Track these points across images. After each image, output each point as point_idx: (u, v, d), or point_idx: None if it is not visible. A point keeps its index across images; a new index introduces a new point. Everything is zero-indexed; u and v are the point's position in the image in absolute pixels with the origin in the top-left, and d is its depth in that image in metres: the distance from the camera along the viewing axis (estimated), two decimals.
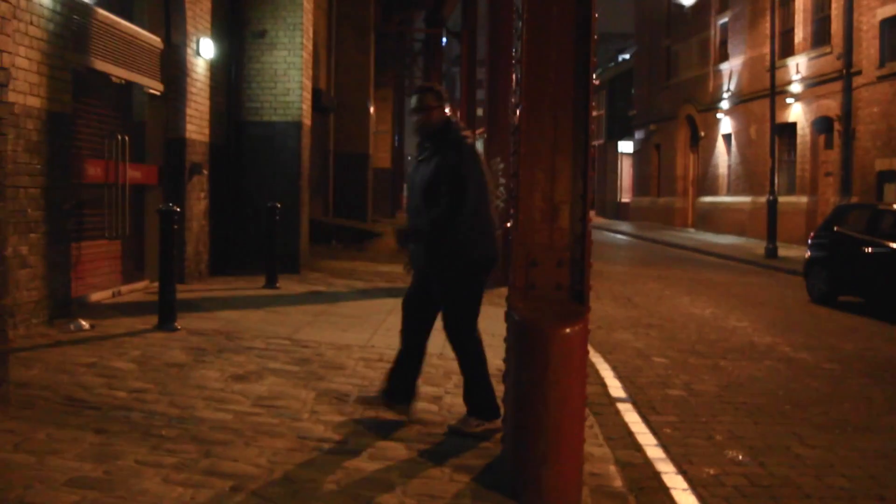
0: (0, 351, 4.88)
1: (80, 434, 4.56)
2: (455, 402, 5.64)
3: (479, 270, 5.03)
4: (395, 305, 9.60)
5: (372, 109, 21.55)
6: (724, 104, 28.52)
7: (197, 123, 10.65)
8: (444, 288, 4.99)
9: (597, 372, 7.21)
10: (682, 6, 30.51)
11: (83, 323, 7.18)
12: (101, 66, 8.51)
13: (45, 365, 5.91)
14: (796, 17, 24.29)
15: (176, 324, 7.37)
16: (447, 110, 5.09)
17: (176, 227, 7.50)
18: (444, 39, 31.82)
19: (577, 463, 4.12)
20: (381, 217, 26.35)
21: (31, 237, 6.90)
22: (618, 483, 4.46)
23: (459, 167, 4.85)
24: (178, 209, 7.58)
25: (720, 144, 29.46)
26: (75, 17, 7.73)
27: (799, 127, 23.97)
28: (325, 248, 16.16)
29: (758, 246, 21.53)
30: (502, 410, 4.62)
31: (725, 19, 29.40)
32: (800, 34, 24.08)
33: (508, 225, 12.22)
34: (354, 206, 20.99)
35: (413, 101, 5.08)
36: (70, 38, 7.63)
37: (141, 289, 9.69)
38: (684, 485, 4.74)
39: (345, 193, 20.68)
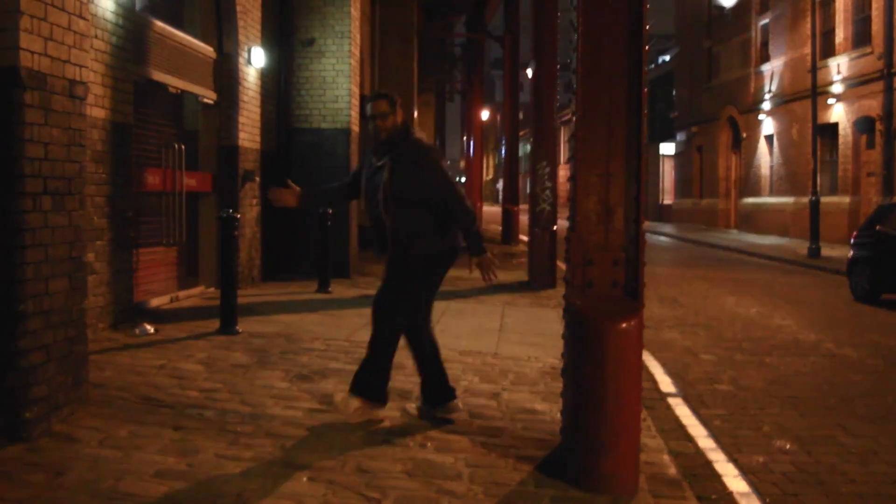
0: (80, 353, 5.11)
1: (159, 430, 4.78)
2: (513, 399, 5.81)
3: (430, 263, 5.15)
4: (445, 308, 9.85)
5: (415, 114, 21.75)
6: (766, 105, 28.42)
7: (249, 131, 10.90)
8: (398, 270, 5.13)
9: (647, 369, 7.33)
10: (722, 8, 30.41)
11: (148, 327, 7.43)
12: (158, 76, 8.79)
13: (117, 367, 6.15)
14: (837, 17, 24.17)
15: (237, 327, 7.60)
16: (400, 115, 5.19)
17: (236, 233, 7.71)
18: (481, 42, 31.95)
19: (634, 451, 4.27)
20: None
21: (97, 244, 7.16)
22: (672, 471, 4.62)
23: (433, 170, 5.06)
24: (237, 216, 7.79)
25: (762, 145, 29.34)
26: (135, 29, 8.00)
27: (841, 127, 23.85)
28: (372, 254, 16.35)
29: (801, 246, 21.46)
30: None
31: (766, 20, 29.29)
32: (841, 34, 23.96)
33: (555, 228, 12.35)
34: None
35: (368, 108, 5.17)
36: (131, 50, 7.89)
37: (197, 294, 9.95)
38: (735, 472, 4.91)
39: None
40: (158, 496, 3.86)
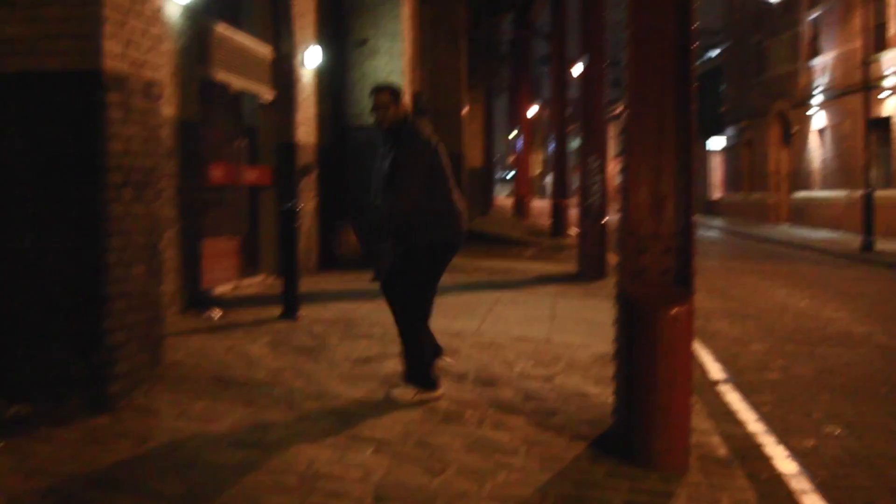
0: (157, 333, 5.47)
1: (231, 406, 5.11)
2: (566, 382, 6.04)
3: (433, 253, 5.33)
4: (498, 297, 10.12)
5: (465, 111, 22.00)
6: (817, 99, 28.20)
7: (305, 128, 11.26)
8: (405, 261, 5.34)
9: (697, 357, 7.50)
10: (771, 2, 30.22)
11: (215, 312, 7.81)
12: (221, 76, 9.16)
13: (188, 349, 6.51)
14: (889, 10, 23.93)
15: (298, 313, 7.94)
16: (402, 106, 5.39)
17: (297, 224, 8.04)
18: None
19: (684, 431, 4.47)
20: (476, 215, 26.84)
21: (168, 234, 7.53)
22: (722, 452, 4.77)
23: (405, 158, 5.17)
24: (298, 209, 8.12)
25: (813, 139, 29.11)
26: (200, 31, 8.38)
27: (893, 121, 23.62)
28: None
29: (853, 240, 21.31)
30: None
31: (817, 14, 29.04)
32: (892, 28, 23.72)
33: (604, 221, 12.54)
34: None
35: (371, 99, 5.41)
36: (196, 51, 8.27)
37: (258, 282, 10.32)
38: (785, 454, 5.05)
39: None
40: (235, 463, 4.17)
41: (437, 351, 5.62)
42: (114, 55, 4.83)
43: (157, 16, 5.33)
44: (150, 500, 3.71)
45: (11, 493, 3.71)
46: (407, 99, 12.58)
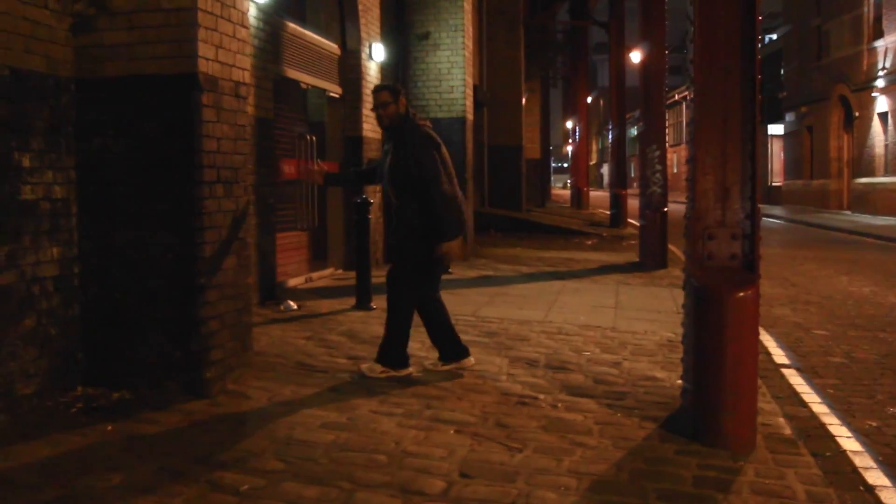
0: (246, 322, 5.78)
1: (317, 391, 5.41)
2: (633, 367, 6.24)
3: (435, 242, 5.62)
4: (562, 287, 10.31)
5: (523, 101, 22.18)
6: (880, 83, 27.78)
7: (372, 122, 11.52)
8: (400, 252, 5.74)
9: (760, 342, 7.61)
10: None
11: (292, 303, 8.14)
12: (292, 73, 9.48)
13: (270, 338, 6.83)
14: None
15: (371, 304, 8.22)
16: (402, 104, 5.72)
17: (369, 216, 8.32)
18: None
19: (751, 411, 4.64)
20: (533, 206, 27.01)
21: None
22: (787, 431, 4.94)
23: (419, 154, 5.52)
24: (371, 201, 8.40)
25: (876, 124, 28.69)
26: (272, 31, 8.69)
27: None
28: (485, 237, 16.95)
29: None
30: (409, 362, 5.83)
31: None
32: None
33: (666, 209, 12.64)
34: (508, 195, 21.72)
35: (373, 98, 5.80)
36: (270, 50, 8.59)
37: (327, 275, 10.65)
38: (848, 433, 5.18)
39: (499, 184, 21.47)
40: (327, 442, 4.45)
41: (463, 352, 6.00)
42: (207, 59, 5.12)
43: (243, 20, 5.62)
44: (253, 475, 3.99)
45: (127, 470, 4.03)
46: (467, 91, 12.83)
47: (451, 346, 5.98)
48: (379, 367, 5.79)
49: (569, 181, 52.92)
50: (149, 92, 5.11)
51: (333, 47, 10.87)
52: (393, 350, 5.81)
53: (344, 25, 11.17)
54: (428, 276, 5.84)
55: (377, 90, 5.83)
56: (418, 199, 5.58)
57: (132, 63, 5.12)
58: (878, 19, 28.80)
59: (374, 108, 5.78)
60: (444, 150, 5.73)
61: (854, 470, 4.53)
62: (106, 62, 5.16)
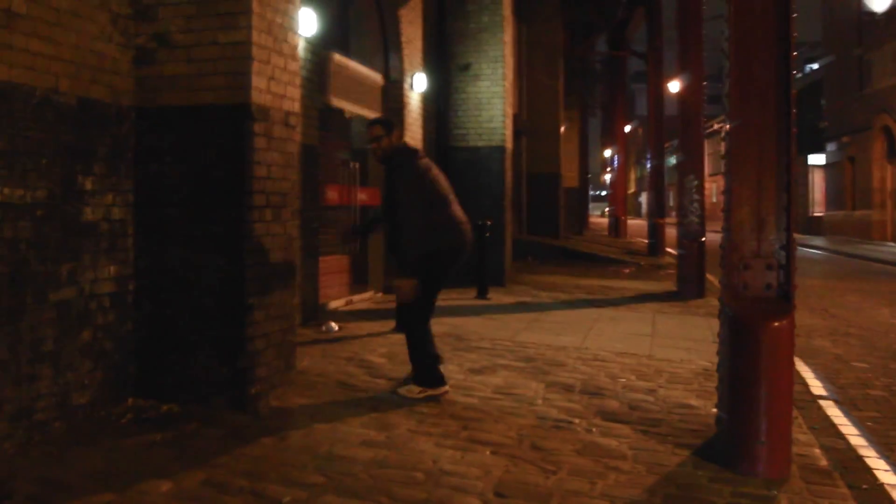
0: (291, 342, 5.99)
1: (357, 409, 5.58)
2: (668, 395, 6.34)
3: (433, 262, 5.83)
4: (599, 315, 10.43)
5: (562, 130, 22.36)
6: None
7: None
8: (402, 274, 5.85)
9: (798, 373, 7.67)
10: (873, 13, 29.71)
11: (333, 325, 8.34)
12: (337, 103, 9.75)
13: (312, 358, 7.03)
14: None
15: None
16: (395, 136, 6.07)
17: None
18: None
19: (786, 440, 4.71)
20: (571, 234, 27.12)
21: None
22: (823, 462, 4.98)
23: (403, 185, 5.81)
24: None
25: None
26: (319, 62, 8.97)
27: None
28: (522, 263, 17.11)
29: None
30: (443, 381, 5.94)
31: None
32: None
33: (703, 239, 12.69)
34: (547, 223, 21.90)
35: (367, 132, 6.09)
36: (316, 80, 8.86)
37: (368, 298, 10.86)
38: (886, 466, 5.20)
39: (538, 211, 21.66)
40: (367, 459, 4.62)
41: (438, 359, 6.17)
42: (260, 90, 5.37)
43: (294, 53, 5.87)
44: (294, 488, 4.16)
45: (176, 479, 4.22)
46: (507, 122, 13.02)
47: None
48: (416, 389, 5.95)
49: (607, 209, 52.83)
50: (204, 121, 5.36)
51: (377, 77, 11.14)
52: (424, 369, 5.97)
53: (387, 56, 11.45)
54: (437, 283, 6.03)
55: (370, 124, 6.19)
56: (425, 215, 5.82)
57: (189, 94, 5.38)
58: None
59: (369, 141, 6.10)
60: (437, 175, 6.03)
61: (891, 502, 4.59)
62: (165, 92, 5.43)
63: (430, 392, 5.92)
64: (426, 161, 6.08)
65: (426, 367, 5.98)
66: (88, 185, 5.09)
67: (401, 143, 6.17)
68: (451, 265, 6.00)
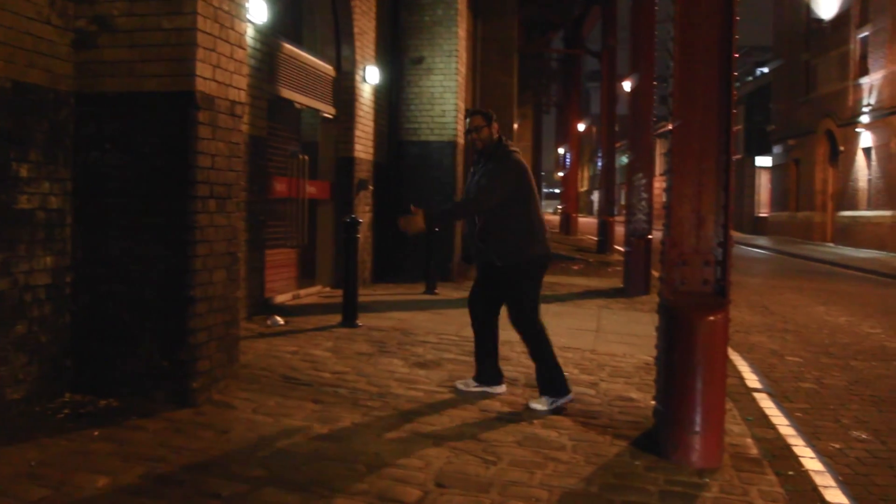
0: (234, 335, 5.92)
1: (301, 403, 5.54)
2: (610, 388, 6.40)
3: (535, 267, 5.79)
4: (545, 310, 10.32)
5: (515, 126, 22.41)
6: (865, 118, 28.22)
7: (363, 143, 11.73)
8: (509, 282, 5.77)
9: (735, 367, 7.82)
10: (821, 20, 30.29)
11: (279, 319, 8.28)
12: (287, 94, 9.67)
13: (256, 352, 6.97)
14: None
15: (357, 321, 8.38)
16: (495, 129, 5.89)
17: (359, 236, 8.49)
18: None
19: (719, 430, 4.80)
20: None
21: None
22: (754, 451, 5.12)
23: (498, 171, 5.69)
24: (360, 220, 8.56)
25: (860, 158, 29.10)
26: (269, 52, 8.89)
27: None
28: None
29: None
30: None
31: (866, 33, 29.10)
32: None
33: (650, 237, 12.81)
34: None
35: (466, 122, 5.96)
36: (266, 70, 8.78)
37: (315, 293, 10.80)
38: (812, 454, 5.38)
39: None
40: (309, 450, 4.59)
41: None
42: (204, 78, 5.29)
43: (241, 41, 5.79)
44: (236, 481, 4.12)
45: (114, 474, 4.15)
46: (459, 116, 13.04)
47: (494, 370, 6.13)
48: (546, 400, 5.74)
49: (559, 207, 53.15)
50: (147, 108, 5.27)
51: (328, 69, 11.07)
52: (554, 374, 5.79)
53: (339, 47, 11.38)
54: (537, 288, 5.87)
55: (471, 114, 5.97)
56: (520, 221, 5.72)
57: (132, 80, 5.29)
58: (863, 57, 29.29)
59: (468, 132, 5.94)
60: (530, 177, 5.85)
61: (815, 488, 4.70)
62: (106, 78, 5.33)
63: (561, 402, 5.73)
64: (521, 158, 5.89)
65: (557, 373, 5.77)
66: (24, 173, 4.98)
67: (500, 135, 5.93)
68: (544, 272, 5.91)
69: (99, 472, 4.15)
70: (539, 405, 5.69)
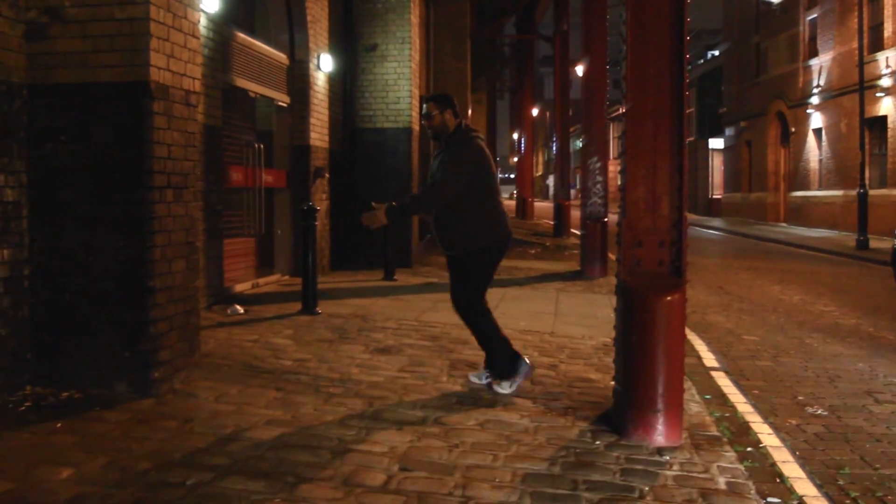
0: (194, 324, 5.92)
1: (263, 391, 5.57)
2: (569, 370, 6.50)
3: (489, 252, 5.78)
4: (504, 294, 10.57)
5: (469, 112, 22.46)
6: (815, 99, 28.69)
7: (319, 131, 11.71)
8: (460, 265, 5.82)
9: (692, 346, 7.97)
10: (770, 3, 30.71)
11: (238, 308, 8.28)
12: (241, 83, 9.62)
13: (217, 341, 6.97)
14: (886, 11, 24.44)
15: (316, 309, 8.40)
16: (449, 114, 5.82)
17: (316, 223, 8.50)
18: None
19: (677, 408, 4.91)
20: None
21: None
22: (712, 429, 5.25)
23: (455, 159, 5.65)
24: (317, 208, 8.57)
25: (811, 139, 29.60)
26: (222, 41, 8.84)
27: (890, 120, 24.10)
28: (430, 245, 17.15)
29: (849, 238, 21.82)
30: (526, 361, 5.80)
31: (814, 15, 29.57)
32: (889, 28, 24.20)
33: (606, 220, 12.99)
34: None
35: (423, 109, 5.95)
36: (219, 59, 8.73)
37: (274, 281, 10.79)
38: (770, 431, 5.52)
39: None
40: (272, 438, 4.62)
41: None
42: (158, 68, 5.27)
43: (195, 30, 5.77)
44: (199, 470, 4.14)
45: (77, 465, 4.15)
46: (414, 102, 13.07)
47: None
48: (505, 383, 5.80)
49: (514, 192, 53.36)
50: (101, 99, 5.24)
51: (282, 57, 11.03)
52: (502, 355, 5.83)
53: (293, 35, 11.33)
54: (488, 276, 5.86)
55: (426, 101, 5.95)
56: (477, 207, 5.68)
57: (85, 71, 5.25)
58: (812, 39, 29.76)
59: (425, 118, 5.88)
60: (490, 162, 5.82)
61: (773, 464, 4.83)
62: (59, 69, 5.29)
63: (516, 380, 5.80)
64: (482, 143, 5.84)
65: (504, 356, 5.81)
66: None
67: (459, 120, 5.86)
68: (499, 259, 5.87)
69: (62, 464, 4.14)
70: (501, 388, 5.76)
